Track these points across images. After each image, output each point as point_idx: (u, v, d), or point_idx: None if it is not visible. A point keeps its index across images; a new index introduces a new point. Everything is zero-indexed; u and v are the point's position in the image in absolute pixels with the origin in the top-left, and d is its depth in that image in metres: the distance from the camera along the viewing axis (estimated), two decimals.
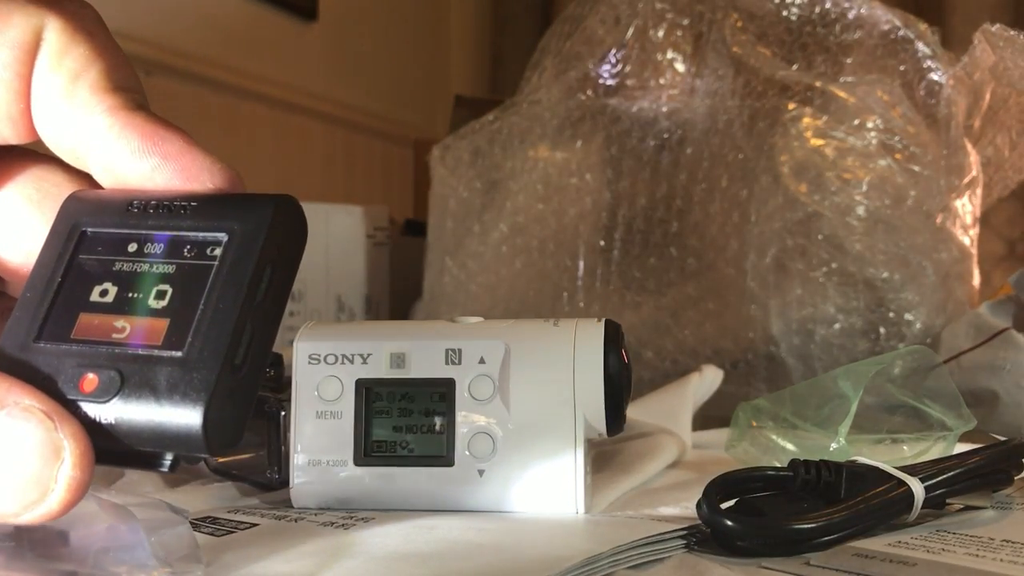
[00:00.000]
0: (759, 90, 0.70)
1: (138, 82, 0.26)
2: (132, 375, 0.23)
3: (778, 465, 0.35)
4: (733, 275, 0.69)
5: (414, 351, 0.35)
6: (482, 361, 0.35)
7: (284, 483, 0.38)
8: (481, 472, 0.34)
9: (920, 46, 0.67)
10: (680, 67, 0.75)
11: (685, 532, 0.32)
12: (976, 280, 0.71)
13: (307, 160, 1.48)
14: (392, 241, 0.90)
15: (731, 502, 0.33)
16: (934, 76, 0.67)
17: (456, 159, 0.79)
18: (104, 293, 0.24)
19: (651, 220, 0.73)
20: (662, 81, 0.75)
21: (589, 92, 0.77)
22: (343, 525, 0.32)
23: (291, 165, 1.45)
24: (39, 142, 0.26)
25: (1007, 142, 0.71)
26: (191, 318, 0.23)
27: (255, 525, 0.32)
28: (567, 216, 0.75)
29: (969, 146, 0.68)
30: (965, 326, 0.61)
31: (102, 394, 0.23)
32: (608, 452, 0.47)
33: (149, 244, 0.25)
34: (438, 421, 0.35)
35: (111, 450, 0.23)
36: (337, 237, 0.87)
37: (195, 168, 0.25)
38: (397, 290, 0.89)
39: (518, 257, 0.76)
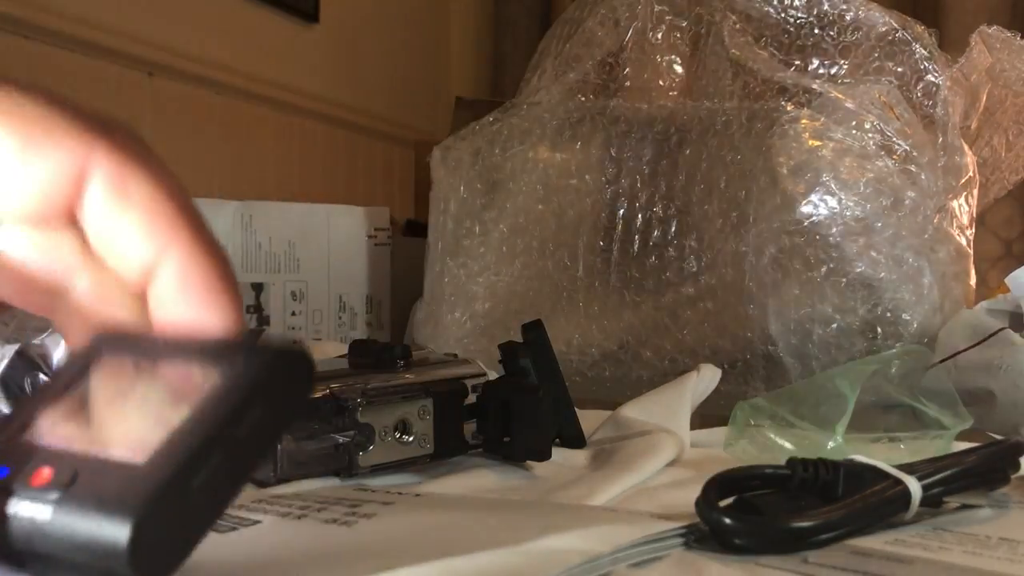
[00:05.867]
0: (757, 91, 0.70)
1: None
2: (84, 472, 0.22)
3: (776, 463, 0.35)
4: (731, 275, 0.69)
5: None
6: None
7: (281, 480, 0.39)
8: None
9: (917, 48, 0.68)
10: (679, 69, 0.76)
11: (684, 530, 0.32)
12: (973, 280, 0.71)
13: (309, 161, 1.48)
14: (393, 241, 0.90)
15: (729, 500, 0.33)
16: (931, 78, 0.67)
17: (456, 160, 0.79)
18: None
19: (650, 221, 0.73)
20: (661, 83, 0.76)
21: (589, 94, 0.77)
22: (346, 522, 0.32)
23: (293, 166, 1.45)
24: None
25: (1003, 143, 0.71)
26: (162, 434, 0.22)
27: (258, 522, 0.33)
28: (567, 217, 0.76)
29: (966, 147, 0.69)
30: (962, 326, 0.61)
31: (53, 488, 0.22)
32: (607, 451, 0.47)
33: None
34: None
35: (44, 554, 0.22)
36: (338, 238, 0.87)
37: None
38: (398, 290, 0.90)
39: (518, 257, 0.76)
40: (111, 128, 0.25)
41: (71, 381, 0.25)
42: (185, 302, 0.25)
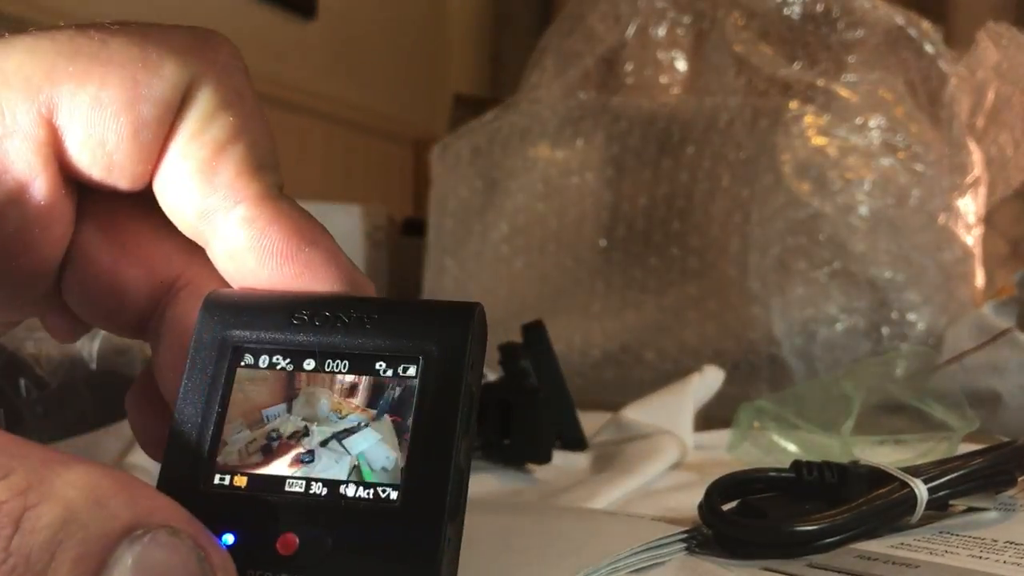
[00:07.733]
0: (761, 89, 0.70)
1: (276, 155, 0.23)
2: (342, 534, 0.19)
3: (780, 466, 0.35)
4: (735, 275, 0.69)
5: None
6: None
7: None
8: None
9: (923, 44, 0.67)
10: (681, 65, 0.75)
11: (686, 534, 0.32)
12: (979, 280, 0.71)
13: (306, 159, 1.48)
14: (391, 240, 0.90)
15: (733, 504, 0.33)
16: (937, 75, 0.67)
17: (456, 158, 0.79)
18: (282, 424, 0.21)
19: (652, 220, 0.73)
20: (663, 80, 0.75)
21: (590, 91, 0.77)
22: None
23: (290, 164, 1.44)
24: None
25: (1010, 141, 0.71)
26: (400, 461, 0.20)
27: None
28: (567, 216, 0.75)
29: (972, 145, 0.68)
30: (968, 326, 0.61)
31: (307, 558, 0.19)
32: (609, 453, 0.46)
33: (330, 364, 0.21)
34: None
35: None
36: (336, 236, 0.86)
37: (338, 279, 0.23)
38: (397, 289, 0.89)
39: (518, 257, 0.76)
40: (215, 48, 0.23)
41: (217, 392, 0.21)
42: (268, 260, 0.22)
